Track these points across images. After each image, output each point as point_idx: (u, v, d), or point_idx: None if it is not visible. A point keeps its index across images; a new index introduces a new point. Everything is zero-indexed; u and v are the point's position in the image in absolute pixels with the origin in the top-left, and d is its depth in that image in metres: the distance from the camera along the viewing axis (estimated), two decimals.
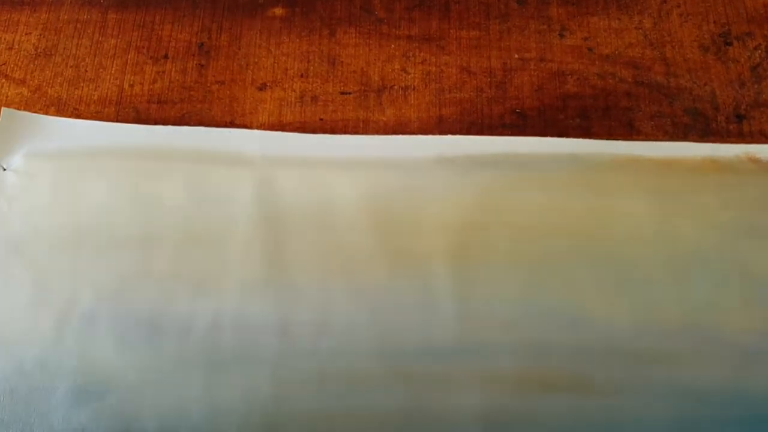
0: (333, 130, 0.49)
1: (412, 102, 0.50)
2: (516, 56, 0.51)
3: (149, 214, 0.46)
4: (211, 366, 0.42)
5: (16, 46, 0.53)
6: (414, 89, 0.50)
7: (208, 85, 0.51)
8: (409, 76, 0.51)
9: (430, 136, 0.48)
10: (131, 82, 0.51)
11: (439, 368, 0.41)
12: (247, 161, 0.47)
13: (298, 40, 0.53)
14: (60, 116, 0.50)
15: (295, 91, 0.51)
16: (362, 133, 0.49)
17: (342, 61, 0.52)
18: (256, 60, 0.52)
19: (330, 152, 0.48)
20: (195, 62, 0.52)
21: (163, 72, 0.52)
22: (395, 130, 0.49)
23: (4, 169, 0.47)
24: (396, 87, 0.51)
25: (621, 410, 0.41)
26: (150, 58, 0.52)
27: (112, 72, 0.52)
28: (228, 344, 0.42)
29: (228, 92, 0.51)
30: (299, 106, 0.50)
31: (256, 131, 0.49)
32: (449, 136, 0.48)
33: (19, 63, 0.52)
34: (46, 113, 0.50)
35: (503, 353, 0.42)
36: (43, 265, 0.44)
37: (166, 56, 0.52)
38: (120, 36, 0.53)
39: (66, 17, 0.54)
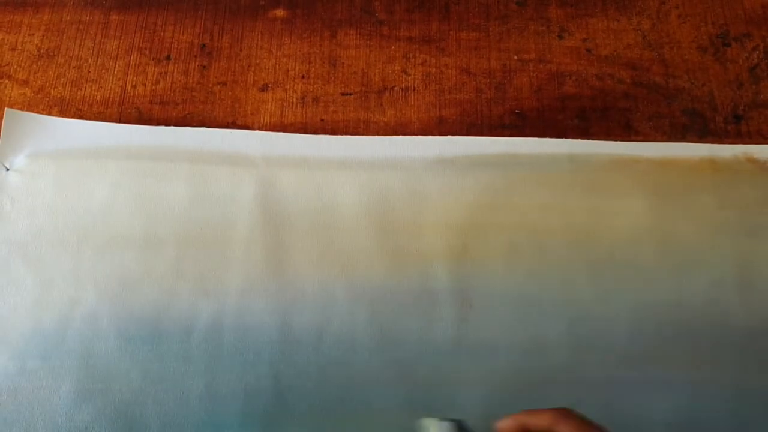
0: (334, 131, 0.49)
1: (413, 103, 0.50)
2: (515, 57, 0.52)
3: (151, 214, 0.46)
4: (212, 364, 0.42)
5: (19, 47, 0.53)
6: (414, 90, 0.51)
7: (210, 86, 0.51)
8: (410, 78, 0.51)
9: (430, 137, 0.48)
10: (134, 83, 0.51)
11: (439, 366, 0.42)
12: (248, 162, 0.48)
13: (299, 41, 0.53)
14: (63, 117, 0.50)
15: (296, 92, 0.51)
16: (363, 134, 0.49)
17: (343, 63, 0.52)
18: (257, 61, 0.52)
19: (331, 153, 0.48)
20: (197, 63, 0.52)
21: (166, 73, 0.52)
22: (396, 130, 0.49)
23: (8, 169, 0.47)
24: (396, 88, 0.51)
25: (620, 409, 0.41)
26: (152, 60, 0.52)
27: (115, 73, 0.52)
28: (229, 343, 0.42)
29: (230, 93, 0.51)
30: (300, 107, 0.50)
31: (257, 132, 0.49)
32: (449, 137, 0.48)
33: (22, 64, 0.52)
34: (49, 114, 0.50)
35: (502, 352, 0.42)
36: (46, 265, 0.45)
37: (168, 57, 0.52)
38: (122, 37, 0.53)
39: (68, 18, 0.54)
